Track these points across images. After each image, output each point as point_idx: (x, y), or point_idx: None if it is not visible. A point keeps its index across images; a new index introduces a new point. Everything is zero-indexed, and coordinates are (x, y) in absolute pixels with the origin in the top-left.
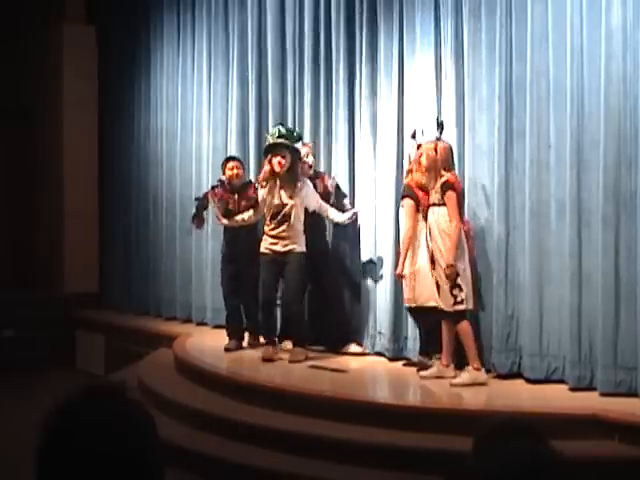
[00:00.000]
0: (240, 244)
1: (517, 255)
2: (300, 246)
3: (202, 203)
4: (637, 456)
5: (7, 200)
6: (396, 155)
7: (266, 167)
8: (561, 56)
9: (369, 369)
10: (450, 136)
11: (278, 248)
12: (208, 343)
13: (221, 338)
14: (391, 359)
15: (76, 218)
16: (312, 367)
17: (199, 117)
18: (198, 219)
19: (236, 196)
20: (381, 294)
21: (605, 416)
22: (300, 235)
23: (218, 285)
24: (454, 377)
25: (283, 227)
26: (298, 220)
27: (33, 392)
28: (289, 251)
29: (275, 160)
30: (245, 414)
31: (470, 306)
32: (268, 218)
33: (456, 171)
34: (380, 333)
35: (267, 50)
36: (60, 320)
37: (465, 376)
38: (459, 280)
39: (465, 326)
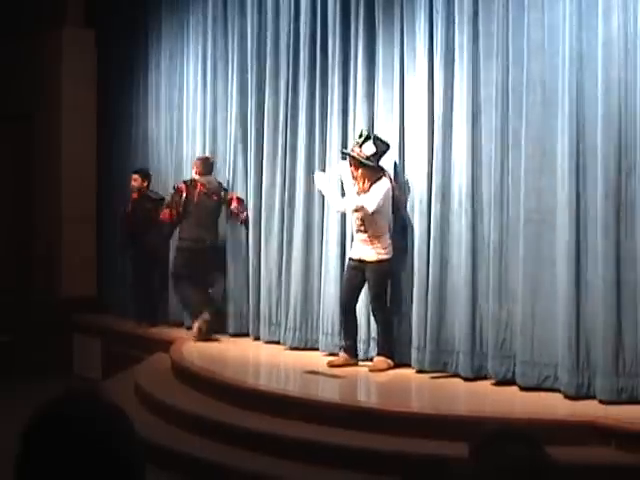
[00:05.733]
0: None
1: (511, 262)
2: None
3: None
4: (634, 463)
5: (5, 203)
6: (398, 158)
7: None
8: (557, 63)
9: (366, 375)
10: (447, 142)
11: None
12: (205, 348)
13: (219, 343)
14: (395, 366)
15: (74, 222)
16: (308, 372)
17: (197, 121)
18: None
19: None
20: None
21: (602, 423)
22: None
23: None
24: None
25: None
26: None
27: (28, 397)
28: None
29: None
30: (242, 419)
31: None
32: None
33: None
34: (374, 339)
35: (266, 54)
36: (57, 324)
37: None
38: None
39: None
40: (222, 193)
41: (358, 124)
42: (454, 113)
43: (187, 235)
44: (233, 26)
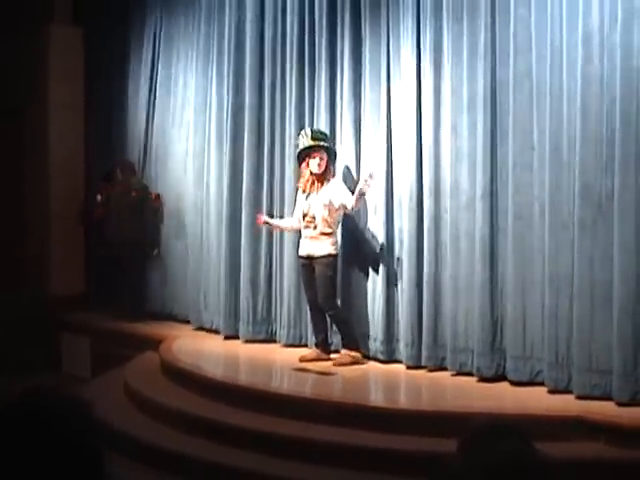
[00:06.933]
0: None
1: (500, 257)
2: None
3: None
4: (623, 458)
5: None
6: (385, 160)
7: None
8: (543, 59)
9: (356, 372)
10: (435, 140)
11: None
12: (195, 346)
13: (209, 341)
14: (384, 362)
15: (63, 219)
16: (297, 370)
17: (184, 120)
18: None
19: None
20: (374, 298)
21: (591, 418)
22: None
23: (204, 287)
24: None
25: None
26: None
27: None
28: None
29: (314, 161)
30: (231, 417)
31: None
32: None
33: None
34: (372, 337)
35: (253, 55)
36: (47, 322)
37: None
38: None
39: None
40: (141, 188)
41: (345, 125)
42: (441, 111)
43: (113, 230)
44: (218, 26)
